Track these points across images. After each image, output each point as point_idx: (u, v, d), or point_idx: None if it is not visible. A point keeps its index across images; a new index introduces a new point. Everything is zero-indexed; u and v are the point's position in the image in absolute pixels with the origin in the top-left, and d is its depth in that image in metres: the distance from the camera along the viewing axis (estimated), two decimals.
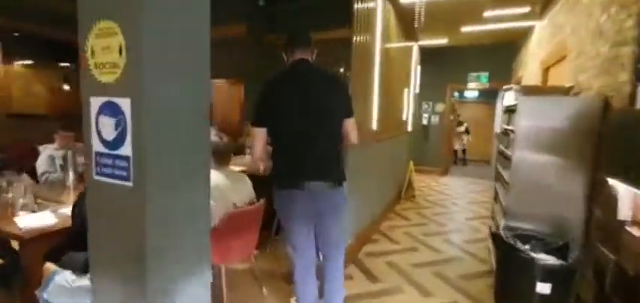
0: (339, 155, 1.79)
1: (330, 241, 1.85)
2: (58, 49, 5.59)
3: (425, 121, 8.12)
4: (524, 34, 5.83)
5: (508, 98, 3.25)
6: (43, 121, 5.67)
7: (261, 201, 2.32)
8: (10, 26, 5.09)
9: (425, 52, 7.35)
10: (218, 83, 7.54)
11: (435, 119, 8.05)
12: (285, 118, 1.72)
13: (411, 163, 5.64)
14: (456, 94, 9.55)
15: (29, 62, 5.70)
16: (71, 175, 2.42)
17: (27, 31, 5.29)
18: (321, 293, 1.93)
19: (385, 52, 3.91)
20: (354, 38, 2.86)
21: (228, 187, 2.19)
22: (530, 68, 5.23)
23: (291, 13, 6.91)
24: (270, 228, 3.18)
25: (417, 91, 7.08)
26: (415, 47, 6.35)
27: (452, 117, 8.55)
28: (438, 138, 8.06)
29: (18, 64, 5.59)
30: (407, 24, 5.04)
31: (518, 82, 5.40)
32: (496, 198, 3.47)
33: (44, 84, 5.89)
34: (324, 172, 1.72)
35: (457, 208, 5.17)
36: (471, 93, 10.81)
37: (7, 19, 5.05)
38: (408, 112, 5.94)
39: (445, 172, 8.12)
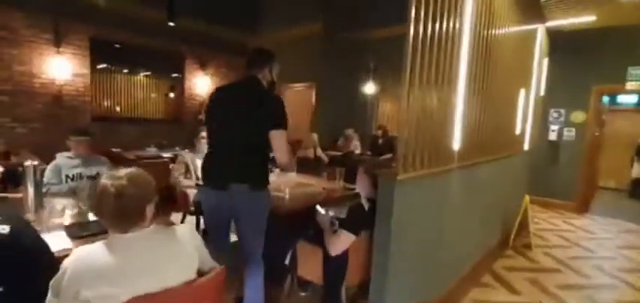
0: (254, 162, 1.83)
1: (242, 247, 1.91)
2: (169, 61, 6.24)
3: (552, 136, 5.93)
4: None
5: None
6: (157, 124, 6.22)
7: (220, 269, 1.35)
8: (134, 42, 5.68)
9: (557, 36, 5.29)
10: (291, 88, 6.96)
11: (569, 133, 5.80)
12: (213, 122, 1.91)
13: (527, 197, 3.90)
14: (605, 98, 6.74)
15: (148, 73, 6.17)
16: (30, 192, 1.93)
17: (146, 45, 5.85)
18: None
19: (484, 41, 2.55)
20: (411, 28, 1.70)
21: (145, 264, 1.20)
22: None
23: (371, 5, 5.84)
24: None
25: (541, 93, 5.11)
26: (540, 30, 4.50)
27: (597, 132, 6.08)
28: (572, 160, 5.76)
29: (141, 74, 6.15)
30: None
31: None
32: None
33: (160, 92, 6.45)
34: (238, 174, 1.80)
35: (606, 279, 3.26)
36: (630, 98, 7.71)
37: (131, 36, 5.52)
38: (525, 124, 4.19)
39: (583, 209, 5.74)
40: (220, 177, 1.80)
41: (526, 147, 4.40)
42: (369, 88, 5.65)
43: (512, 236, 3.85)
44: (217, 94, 1.93)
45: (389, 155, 5.79)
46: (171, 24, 5.07)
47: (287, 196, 2.57)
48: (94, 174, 2.73)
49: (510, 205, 3.92)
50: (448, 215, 2.42)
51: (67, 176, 2.67)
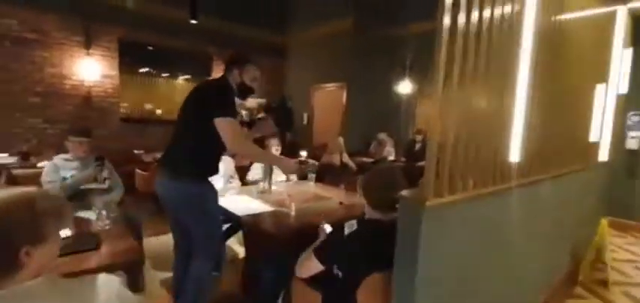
0: (194, 151, 1.83)
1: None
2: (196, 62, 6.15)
3: (632, 144, 4.89)
4: None
5: None
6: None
7: None
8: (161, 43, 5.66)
9: None
10: (320, 88, 6.54)
11: None
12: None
13: (604, 221, 3.09)
14: None
15: (176, 74, 6.14)
16: None
17: (173, 46, 5.81)
18: None
19: (551, 27, 1.93)
20: (445, 16, 1.20)
21: None
22: None
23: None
24: None
25: (620, 92, 4.18)
26: (621, 13, 3.62)
27: None
28: None
29: (169, 76, 6.15)
30: None
31: None
32: None
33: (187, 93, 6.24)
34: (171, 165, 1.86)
35: None
36: None
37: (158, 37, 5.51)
38: (600, 129, 3.38)
39: None
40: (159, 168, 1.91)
41: (603, 157, 3.56)
42: (405, 87, 5.06)
43: (585, 268, 3.07)
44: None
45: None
46: (194, 22, 4.89)
47: (292, 213, 2.12)
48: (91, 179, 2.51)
49: (581, 231, 3.14)
50: (498, 250, 1.83)
51: (64, 178, 2.45)
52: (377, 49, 5.97)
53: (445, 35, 1.21)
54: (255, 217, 2.08)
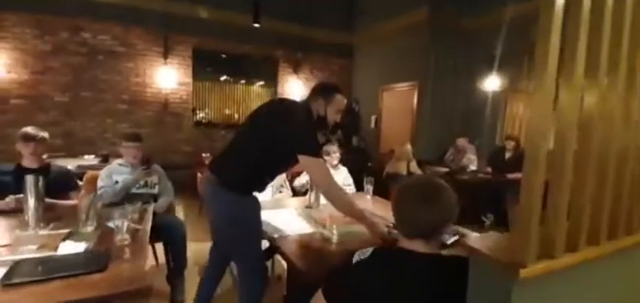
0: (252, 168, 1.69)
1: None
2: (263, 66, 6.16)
3: None
4: None
5: None
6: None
7: None
8: (230, 49, 5.81)
9: None
10: (389, 89, 5.99)
11: None
12: None
13: None
14: None
15: (244, 79, 6.33)
16: (30, 204, 1.67)
17: (241, 52, 5.91)
18: None
19: None
20: None
21: None
22: None
23: None
24: None
25: None
26: None
27: None
28: None
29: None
30: None
31: None
32: None
33: (255, 97, 6.43)
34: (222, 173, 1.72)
35: None
36: None
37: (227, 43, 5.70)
38: None
39: None
40: None
41: None
42: (492, 83, 4.21)
43: None
44: None
45: (520, 175, 4.21)
46: (257, 25, 4.84)
47: (334, 238, 1.72)
48: (141, 183, 2.49)
49: None
50: None
51: (116, 182, 2.47)
52: (456, 41, 5.18)
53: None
54: (289, 241, 1.73)
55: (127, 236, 1.61)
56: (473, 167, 4.60)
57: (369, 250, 1.04)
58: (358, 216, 1.70)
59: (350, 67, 6.86)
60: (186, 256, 2.38)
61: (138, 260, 1.42)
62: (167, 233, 2.34)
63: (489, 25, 4.86)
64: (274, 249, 1.91)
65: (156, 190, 2.55)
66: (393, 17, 5.58)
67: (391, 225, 1.84)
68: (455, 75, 5.27)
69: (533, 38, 1.25)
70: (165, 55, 5.38)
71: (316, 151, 1.62)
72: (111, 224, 1.68)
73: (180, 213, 4.03)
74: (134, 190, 2.45)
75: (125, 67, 5.21)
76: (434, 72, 5.16)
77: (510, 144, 4.41)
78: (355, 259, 1.04)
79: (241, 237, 1.73)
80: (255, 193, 1.76)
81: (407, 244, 1.02)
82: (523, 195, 0.75)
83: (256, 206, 1.74)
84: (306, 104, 1.75)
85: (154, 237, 2.43)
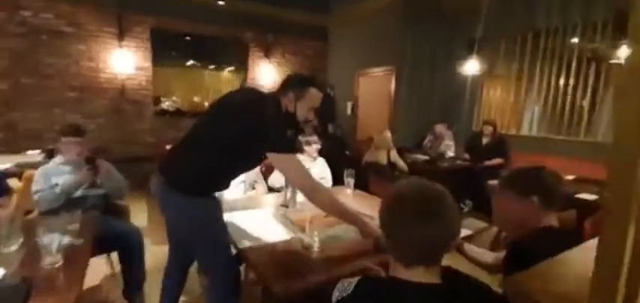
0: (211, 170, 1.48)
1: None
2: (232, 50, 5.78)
3: None
4: None
5: None
6: None
7: None
8: (194, 31, 5.20)
9: None
10: (365, 74, 5.78)
11: None
12: None
13: None
14: None
15: (211, 64, 5.89)
16: None
17: (206, 34, 5.36)
18: None
19: None
20: None
21: None
22: None
23: None
24: None
25: None
26: None
27: None
28: None
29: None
30: None
31: None
32: None
33: (223, 83, 6.01)
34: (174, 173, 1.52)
35: None
36: None
37: (191, 24, 5.14)
38: None
39: None
40: None
41: None
42: (472, 67, 4.11)
43: None
44: None
45: (498, 161, 4.20)
46: (221, 3, 4.43)
47: (315, 246, 1.49)
48: (85, 184, 2.12)
49: None
50: None
51: (54, 185, 2.08)
52: (433, 25, 5.03)
53: None
54: (261, 252, 1.48)
55: (58, 257, 1.30)
56: (451, 153, 4.53)
57: (353, 283, 0.81)
58: (345, 215, 1.48)
59: (324, 51, 6.57)
60: (144, 268, 2.08)
61: (69, 292, 1.12)
62: (121, 243, 2.02)
63: (467, 7, 4.74)
64: (243, 260, 1.66)
65: (104, 190, 2.20)
66: None
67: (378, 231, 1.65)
68: (433, 59, 5.14)
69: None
70: (121, 37, 4.85)
71: (288, 147, 1.43)
72: (48, 240, 1.36)
73: (142, 211, 3.65)
74: (78, 193, 2.09)
75: (75, 50, 4.64)
76: (411, 56, 5.01)
77: (488, 129, 4.37)
78: (335, 296, 0.82)
79: (201, 247, 1.54)
80: (224, 193, 1.52)
81: (402, 272, 0.79)
82: (601, 249, 0.50)
83: (213, 209, 1.53)
84: (274, 97, 1.52)
85: (106, 247, 2.12)
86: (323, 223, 1.80)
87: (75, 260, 1.35)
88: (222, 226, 1.55)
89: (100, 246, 1.96)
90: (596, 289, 0.47)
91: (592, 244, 0.91)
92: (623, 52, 2.46)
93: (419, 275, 0.77)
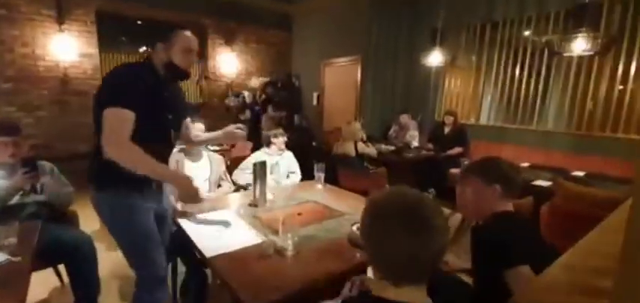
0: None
1: None
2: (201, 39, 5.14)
3: None
4: None
5: None
6: None
7: None
8: (147, 14, 4.71)
9: None
10: (331, 64, 5.72)
11: None
12: None
13: None
14: None
15: None
16: None
17: (161, 18, 4.87)
18: None
19: None
20: None
21: None
22: None
23: None
24: None
25: None
26: None
27: None
28: None
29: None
30: None
31: None
32: None
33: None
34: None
35: None
36: None
37: (143, 7, 4.66)
38: None
39: None
40: None
41: None
42: (435, 58, 4.21)
43: None
44: None
45: (458, 149, 4.36)
46: None
47: (289, 250, 1.41)
48: (23, 189, 1.86)
49: None
50: None
51: None
52: (398, 14, 5.07)
53: None
54: (228, 259, 1.38)
55: None
56: (415, 143, 4.63)
57: None
58: (163, 174, 1.46)
59: (289, 41, 6.40)
60: (97, 279, 1.87)
61: None
62: (69, 254, 1.80)
63: None
64: (207, 269, 1.54)
65: (45, 196, 1.95)
66: None
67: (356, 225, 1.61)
68: (397, 49, 5.19)
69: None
70: (60, 20, 4.35)
71: (114, 101, 1.30)
72: None
73: (92, 214, 3.33)
74: (15, 200, 1.83)
75: (8, 35, 4.09)
76: (376, 45, 5.02)
77: (449, 119, 4.51)
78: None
79: (125, 246, 1.50)
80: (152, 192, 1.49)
81: (390, 291, 0.72)
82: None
83: (121, 210, 1.43)
84: (144, 61, 1.48)
85: (51, 260, 1.89)
86: (296, 222, 1.73)
87: (12, 282, 1.17)
88: (133, 228, 1.44)
89: (45, 259, 1.75)
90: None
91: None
92: (578, 45, 2.60)
93: (409, 294, 0.71)
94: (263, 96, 5.72)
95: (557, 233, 2.12)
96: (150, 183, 1.48)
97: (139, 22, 5.05)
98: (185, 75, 1.50)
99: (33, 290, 1.23)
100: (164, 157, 1.54)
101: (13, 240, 1.42)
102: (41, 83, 4.37)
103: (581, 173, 3.13)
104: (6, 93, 4.18)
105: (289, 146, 2.92)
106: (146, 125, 1.35)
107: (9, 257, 1.30)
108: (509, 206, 1.25)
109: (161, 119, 1.48)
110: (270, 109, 5.55)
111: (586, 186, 2.50)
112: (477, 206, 1.27)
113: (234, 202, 2.11)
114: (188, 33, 1.48)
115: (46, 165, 1.99)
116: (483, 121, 4.67)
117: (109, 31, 4.77)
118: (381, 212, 0.75)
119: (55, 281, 2.18)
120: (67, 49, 4.39)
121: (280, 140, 2.76)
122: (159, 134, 1.49)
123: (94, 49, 4.61)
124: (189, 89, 5.62)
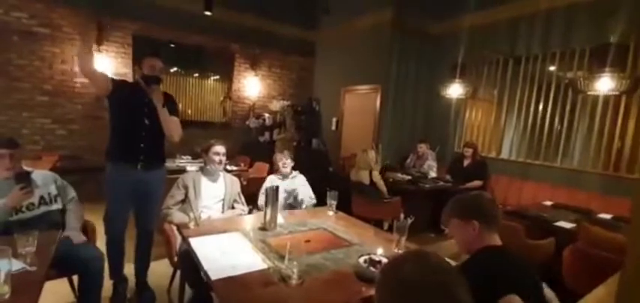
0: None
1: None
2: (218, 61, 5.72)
3: None
4: None
5: None
6: None
7: None
8: (180, 39, 5.03)
9: None
10: (350, 91, 5.79)
11: None
12: None
13: None
14: None
15: (196, 73, 5.74)
16: None
17: (192, 43, 5.17)
18: None
19: None
20: None
21: None
22: None
23: None
24: None
25: None
26: None
27: None
28: None
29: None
30: None
31: None
32: None
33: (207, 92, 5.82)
34: None
35: None
36: None
37: (176, 33, 4.98)
38: None
39: None
40: None
41: None
42: (455, 91, 4.18)
43: None
44: None
45: (477, 183, 4.23)
46: (208, 14, 4.36)
47: (293, 279, 1.40)
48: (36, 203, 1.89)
49: None
50: None
51: None
52: (419, 46, 5.11)
53: None
54: (231, 283, 1.38)
55: (6, 289, 1.16)
56: (433, 174, 4.55)
57: None
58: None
59: (311, 66, 6.56)
60: (100, 296, 1.88)
61: None
62: (82, 267, 1.84)
63: (453, 31, 4.85)
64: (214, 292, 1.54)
65: (59, 204, 1.99)
66: (357, 17, 5.38)
67: (368, 256, 1.58)
68: (417, 79, 5.21)
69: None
70: (99, 41, 4.67)
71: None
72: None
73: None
74: (29, 214, 1.85)
75: (49, 53, 4.43)
76: (396, 75, 5.05)
77: (468, 151, 4.41)
78: None
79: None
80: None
81: None
82: None
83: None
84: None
85: (66, 270, 1.93)
86: (304, 250, 1.72)
87: (24, 291, 1.22)
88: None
89: (59, 269, 1.79)
90: None
91: None
92: (603, 84, 2.52)
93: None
94: (280, 118, 5.85)
95: (581, 278, 2.01)
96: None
97: (171, 45, 5.33)
98: (155, 79, 2.15)
99: (44, 298, 1.28)
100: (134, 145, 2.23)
101: (31, 249, 1.46)
102: (76, 98, 4.66)
103: (608, 216, 2.96)
104: (42, 105, 4.48)
105: (305, 168, 2.91)
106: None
107: (25, 266, 1.36)
108: (494, 240, 1.25)
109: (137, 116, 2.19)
110: (275, 133, 5.66)
111: (613, 230, 2.36)
112: (463, 244, 1.30)
113: (247, 224, 2.13)
114: (152, 58, 2.18)
115: (48, 175, 2.02)
116: (505, 155, 4.54)
117: (143, 52, 5.05)
118: (404, 287, 0.68)
119: (68, 293, 2.22)
120: (103, 68, 4.67)
121: (287, 163, 2.73)
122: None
123: (128, 69, 4.89)
124: (214, 109, 5.83)
